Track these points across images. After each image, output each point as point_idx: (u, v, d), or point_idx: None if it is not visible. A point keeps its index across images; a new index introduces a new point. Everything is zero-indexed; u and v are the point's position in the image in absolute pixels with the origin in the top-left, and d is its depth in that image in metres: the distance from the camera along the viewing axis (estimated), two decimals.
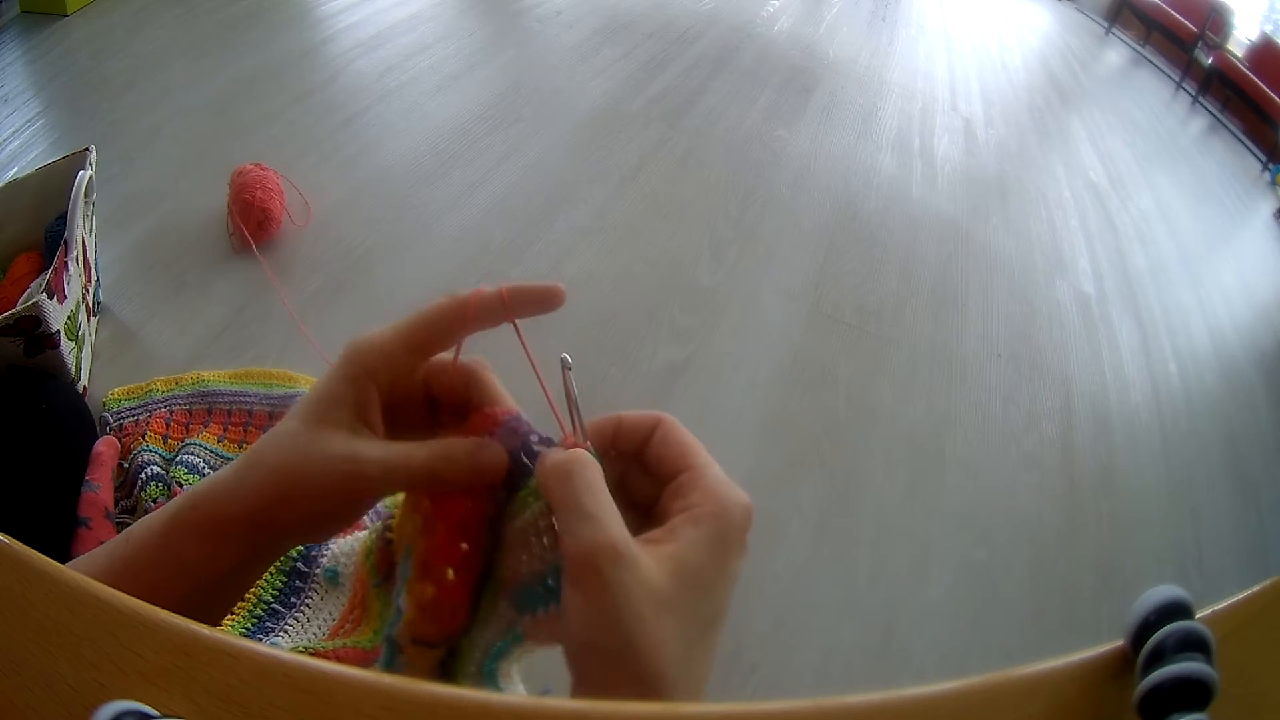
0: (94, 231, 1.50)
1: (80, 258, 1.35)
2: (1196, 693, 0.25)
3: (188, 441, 1.27)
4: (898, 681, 0.26)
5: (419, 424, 0.43)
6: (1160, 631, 0.27)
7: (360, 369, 0.39)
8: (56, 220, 1.39)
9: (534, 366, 0.40)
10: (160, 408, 1.32)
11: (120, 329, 1.51)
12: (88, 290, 1.41)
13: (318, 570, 1.06)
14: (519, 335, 0.40)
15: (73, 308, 1.28)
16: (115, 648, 0.24)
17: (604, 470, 0.36)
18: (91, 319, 1.43)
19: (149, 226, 1.73)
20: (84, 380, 1.35)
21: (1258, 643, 0.30)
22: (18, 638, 0.24)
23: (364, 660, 0.43)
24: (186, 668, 0.24)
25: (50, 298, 1.19)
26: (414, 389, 0.42)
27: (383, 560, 0.48)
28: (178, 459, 1.23)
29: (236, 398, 1.37)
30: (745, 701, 0.27)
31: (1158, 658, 0.26)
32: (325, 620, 1.03)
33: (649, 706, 0.24)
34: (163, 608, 0.34)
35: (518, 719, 0.24)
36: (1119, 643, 0.29)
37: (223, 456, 1.26)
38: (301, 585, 1.05)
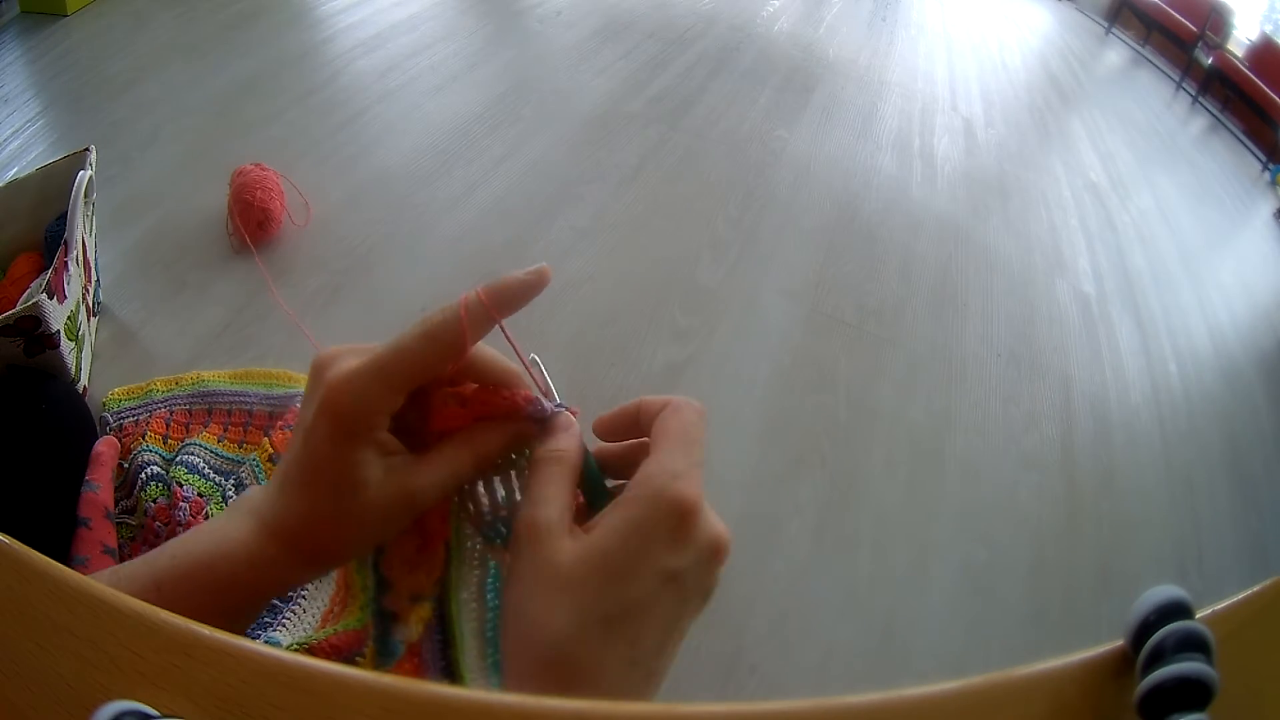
0: (94, 231, 1.50)
1: (80, 258, 1.35)
2: (1197, 693, 0.25)
3: (188, 441, 1.27)
4: (898, 681, 0.26)
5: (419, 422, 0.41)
6: (1160, 631, 0.27)
7: (351, 431, 0.36)
8: (56, 220, 1.39)
9: (520, 357, 0.41)
10: (160, 408, 1.32)
11: (120, 329, 1.51)
12: (88, 290, 1.41)
13: None
14: (507, 337, 0.40)
15: (73, 308, 1.28)
16: (115, 648, 0.24)
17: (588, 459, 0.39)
18: (91, 319, 1.43)
19: (149, 226, 1.73)
20: (84, 380, 1.35)
21: (1258, 643, 0.30)
22: (18, 638, 0.24)
23: (358, 641, 0.43)
24: (186, 668, 0.24)
25: (50, 298, 1.19)
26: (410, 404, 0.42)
27: None
28: (178, 459, 1.23)
29: (237, 398, 1.37)
30: (745, 701, 0.27)
31: (1158, 658, 0.26)
32: (320, 609, 1.03)
33: (649, 707, 0.24)
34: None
35: (518, 718, 0.24)
36: (1119, 643, 0.29)
37: (223, 456, 1.26)
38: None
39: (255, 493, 0.39)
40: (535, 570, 0.34)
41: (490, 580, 0.43)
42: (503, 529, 0.41)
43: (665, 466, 0.35)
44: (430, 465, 0.38)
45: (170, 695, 0.23)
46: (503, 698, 0.25)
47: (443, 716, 0.24)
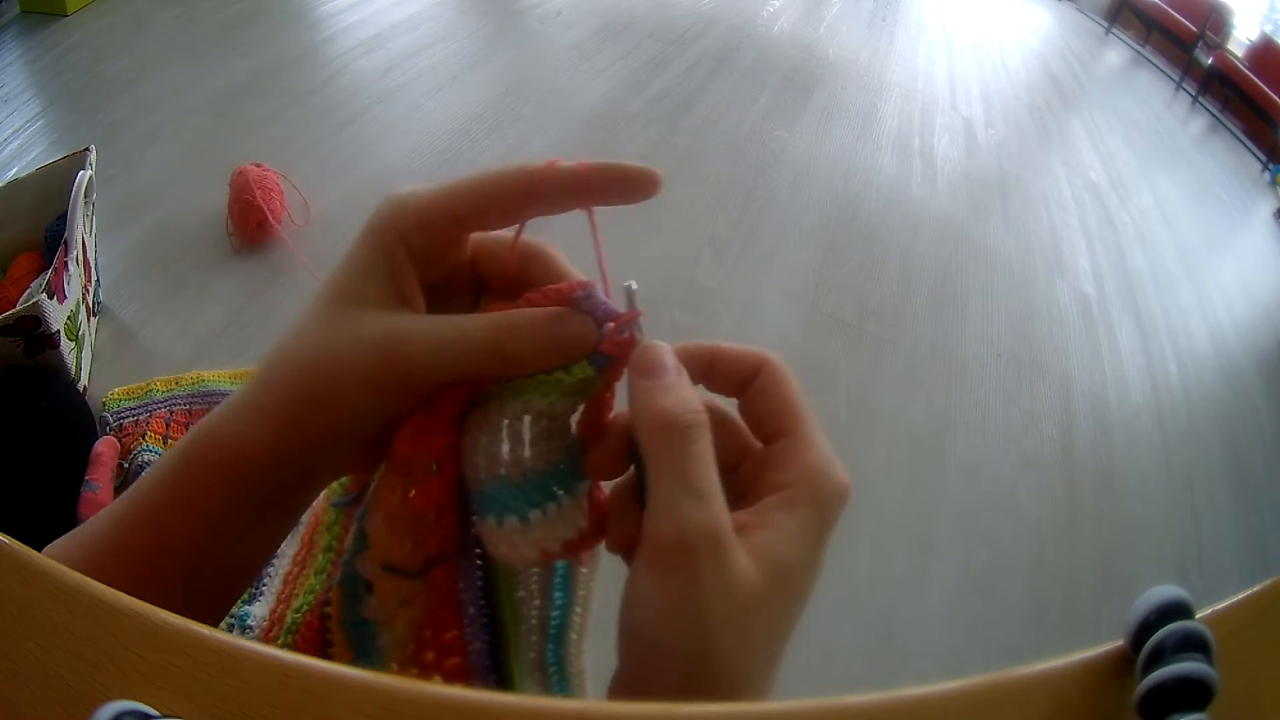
0: (94, 231, 1.50)
1: (80, 258, 1.35)
2: (1197, 693, 0.25)
3: None
4: (898, 682, 0.26)
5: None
6: (1160, 631, 0.27)
7: (393, 233, 0.31)
8: (56, 220, 1.39)
9: (602, 269, 0.34)
10: (160, 408, 1.32)
11: (120, 329, 1.51)
12: (88, 290, 1.41)
13: None
14: (593, 226, 0.34)
15: (73, 308, 1.28)
16: (116, 648, 0.24)
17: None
18: (91, 319, 1.43)
19: (149, 226, 1.73)
20: (84, 380, 1.35)
21: (1258, 643, 0.30)
22: (18, 638, 0.24)
23: (314, 629, 0.37)
24: (187, 668, 0.24)
25: (50, 298, 1.19)
26: (456, 270, 0.35)
27: (356, 480, 0.39)
28: None
29: None
30: (745, 701, 0.27)
31: (1158, 658, 0.26)
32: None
33: (650, 707, 0.24)
34: (178, 556, 0.31)
35: (520, 718, 0.24)
36: (1119, 643, 0.29)
37: None
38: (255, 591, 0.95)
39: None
40: (717, 593, 0.27)
41: (558, 579, 0.38)
42: (504, 493, 0.32)
43: (824, 454, 0.31)
44: (436, 317, 0.32)
45: (170, 695, 0.23)
46: (503, 698, 0.25)
47: (443, 716, 0.24)
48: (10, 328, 1.15)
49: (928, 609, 1.40)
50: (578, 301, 0.32)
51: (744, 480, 0.32)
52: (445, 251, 0.33)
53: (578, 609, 0.39)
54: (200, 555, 0.32)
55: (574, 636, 0.41)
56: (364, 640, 0.35)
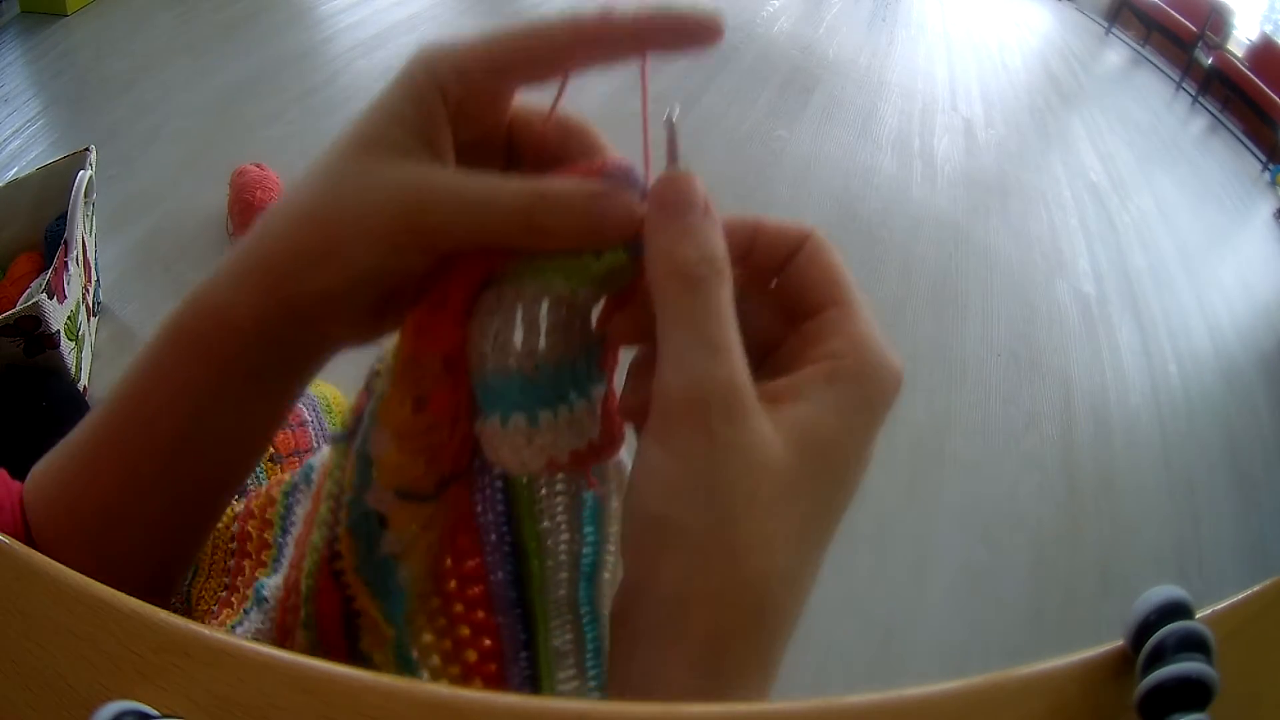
0: (94, 231, 1.50)
1: (80, 258, 1.35)
2: (1197, 693, 0.25)
3: None
4: (898, 681, 0.26)
5: None
6: (1160, 631, 0.27)
7: (428, 81, 0.28)
8: (56, 220, 1.39)
9: (645, 120, 0.30)
10: None
11: (120, 329, 1.51)
12: (88, 290, 1.41)
13: None
14: (644, 78, 0.31)
15: (73, 308, 1.28)
16: (115, 647, 0.24)
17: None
18: (91, 319, 1.43)
19: (149, 226, 1.73)
20: (84, 380, 1.35)
21: (1258, 643, 0.30)
22: (17, 638, 0.24)
23: (329, 587, 0.33)
24: (186, 667, 0.24)
25: (50, 298, 1.19)
26: (492, 132, 0.31)
27: (357, 408, 0.35)
28: None
29: None
30: (744, 701, 0.27)
31: (1158, 658, 0.26)
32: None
33: (650, 707, 0.24)
34: (171, 447, 0.30)
35: (520, 718, 0.24)
36: (1119, 643, 0.29)
37: None
38: (292, 503, 0.90)
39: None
40: (734, 457, 0.23)
41: (588, 512, 0.35)
42: (511, 388, 0.28)
43: (874, 330, 0.28)
44: (462, 174, 0.28)
45: (170, 695, 0.23)
46: (505, 698, 0.24)
47: (444, 716, 0.24)
48: (10, 328, 1.15)
49: (928, 609, 1.40)
50: (615, 180, 0.28)
51: (784, 359, 0.29)
52: (483, 108, 0.30)
53: (610, 546, 0.36)
54: (190, 436, 0.30)
55: (607, 576, 0.38)
56: (385, 580, 0.32)
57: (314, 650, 0.33)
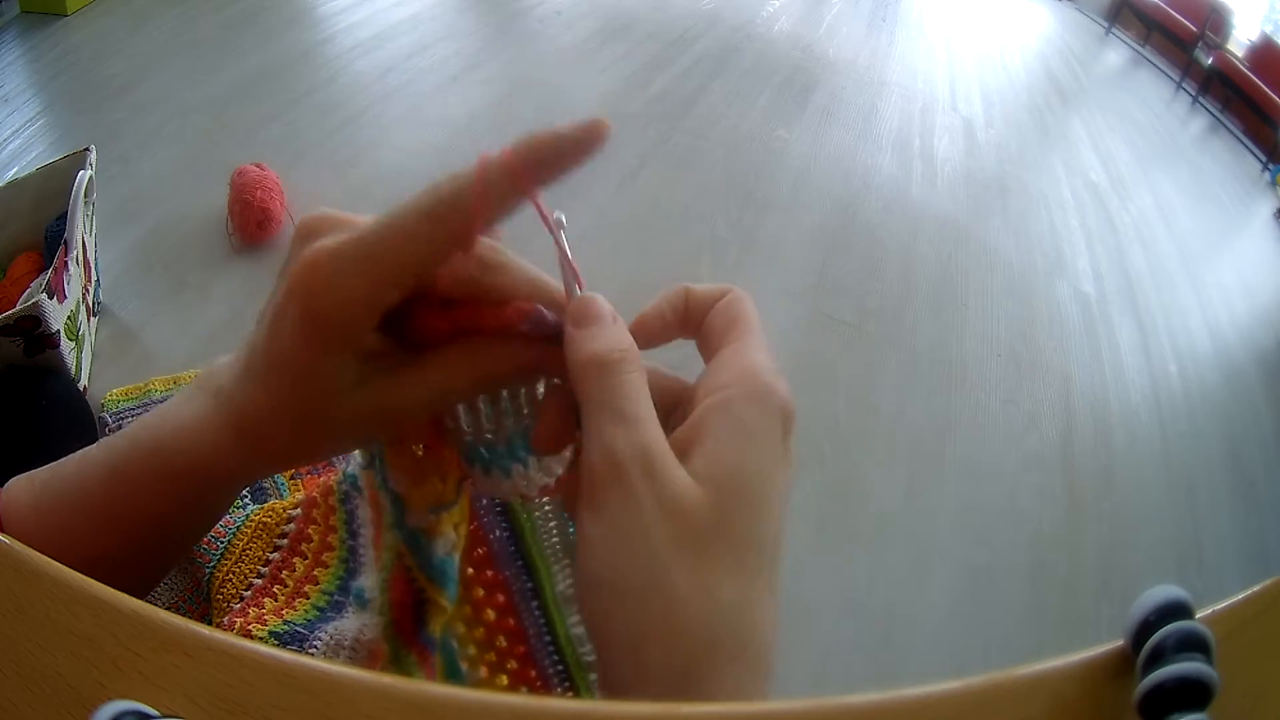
0: (94, 231, 1.50)
1: (80, 258, 1.35)
2: (1197, 693, 0.25)
3: None
4: (898, 681, 0.26)
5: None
6: (1160, 631, 0.27)
7: (322, 331, 0.28)
8: (56, 220, 1.39)
9: (553, 235, 0.32)
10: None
11: (120, 329, 1.51)
12: (88, 290, 1.41)
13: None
14: (538, 209, 0.31)
15: (73, 308, 1.28)
16: (115, 648, 0.24)
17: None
18: (91, 319, 1.43)
19: (149, 226, 1.73)
20: (84, 380, 1.35)
21: (1258, 643, 0.30)
22: (17, 638, 0.24)
23: (402, 581, 0.38)
24: (186, 668, 0.24)
25: (50, 298, 1.19)
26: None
27: None
28: None
29: None
30: (745, 701, 0.27)
31: (1158, 658, 0.26)
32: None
33: (650, 707, 0.24)
34: (130, 529, 0.32)
35: (518, 718, 0.24)
36: (1119, 643, 0.29)
37: None
38: (353, 508, 0.94)
39: (221, 369, 0.32)
40: (653, 516, 0.25)
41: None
42: (485, 452, 0.34)
43: (764, 361, 0.30)
44: (416, 379, 0.30)
45: (170, 695, 0.23)
46: (504, 698, 0.25)
47: (442, 716, 0.24)
48: (10, 328, 1.15)
49: (927, 609, 1.40)
50: (527, 326, 0.31)
51: (694, 402, 0.30)
52: (383, 302, 0.29)
53: None
54: (148, 531, 0.33)
55: None
56: (444, 573, 0.37)
57: (387, 632, 0.38)
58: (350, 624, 0.45)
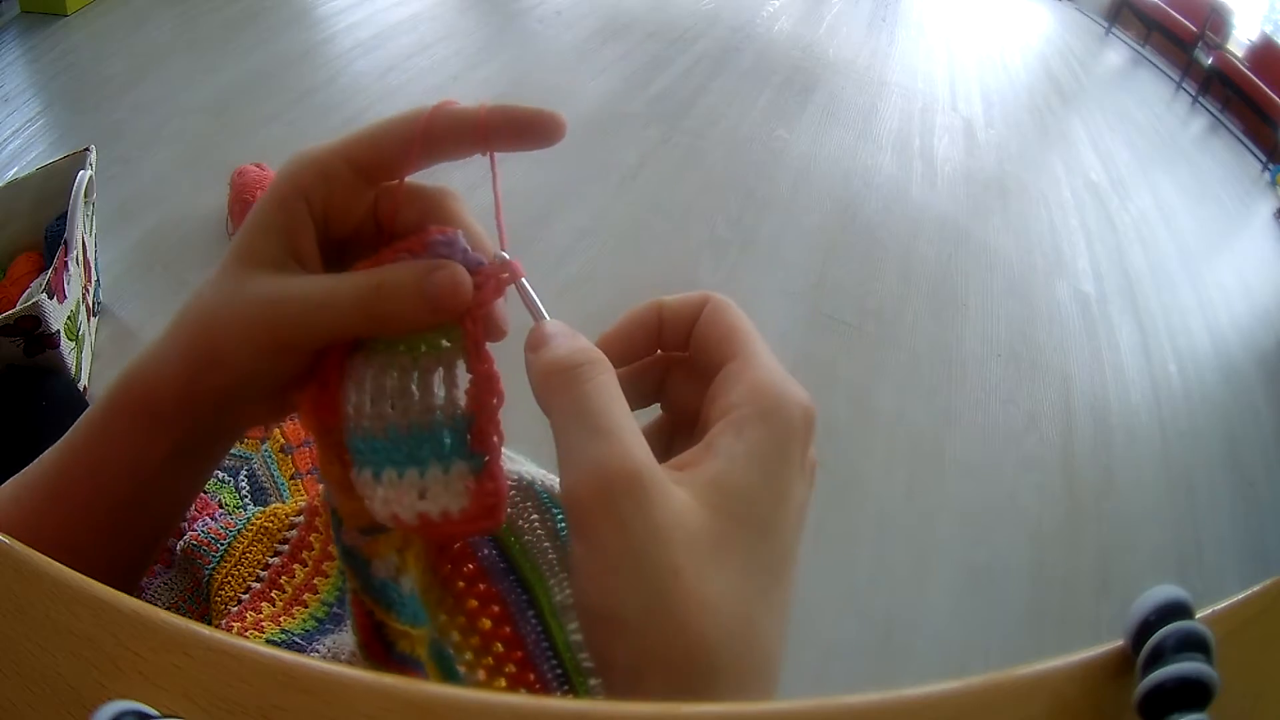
0: (94, 231, 1.50)
1: (80, 258, 1.35)
2: (1197, 693, 0.25)
3: None
4: (898, 681, 0.26)
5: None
6: (1160, 631, 0.27)
7: (292, 188, 0.31)
8: (56, 220, 1.39)
9: (497, 204, 0.32)
10: None
11: (120, 329, 1.51)
12: (88, 290, 1.41)
13: None
14: (493, 167, 0.32)
15: (73, 308, 1.28)
16: (115, 647, 0.24)
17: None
18: (91, 319, 1.43)
19: (149, 226, 1.73)
20: (84, 380, 1.35)
21: (1258, 643, 0.30)
22: (17, 637, 0.24)
23: (359, 609, 0.36)
24: (186, 667, 0.24)
25: (50, 298, 1.19)
26: (363, 224, 0.33)
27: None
28: None
29: None
30: (745, 701, 0.27)
31: (1158, 658, 0.26)
32: None
33: (650, 706, 0.24)
34: (110, 497, 0.33)
35: (519, 718, 0.24)
36: (1119, 642, 0.29)
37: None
38: None
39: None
40: (650, 539, 0.23)
41: (545, 495, 0.38)
42: (360, 442, 0.30)
43: (774, 371, 0.28)
44: (310, 279, 0.31)
45: (170, 695, 0.23)
46: (505, 697, 0.24)
47: (443, 716, 0.24)
48: (10, 328, 1.15)
49: (927, 608, 1.40)
50: (434, 248, 0.30)
51: (701, 426, 0.29)
52: (347, 204, 0.32)
53: None
54: (129, 496, 0.33)
55: None
56: (388, 595, 0.34)
57: (362, 653, 0.36)
58: (348, 637, 0.45)
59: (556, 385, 0.26)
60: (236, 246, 0.31)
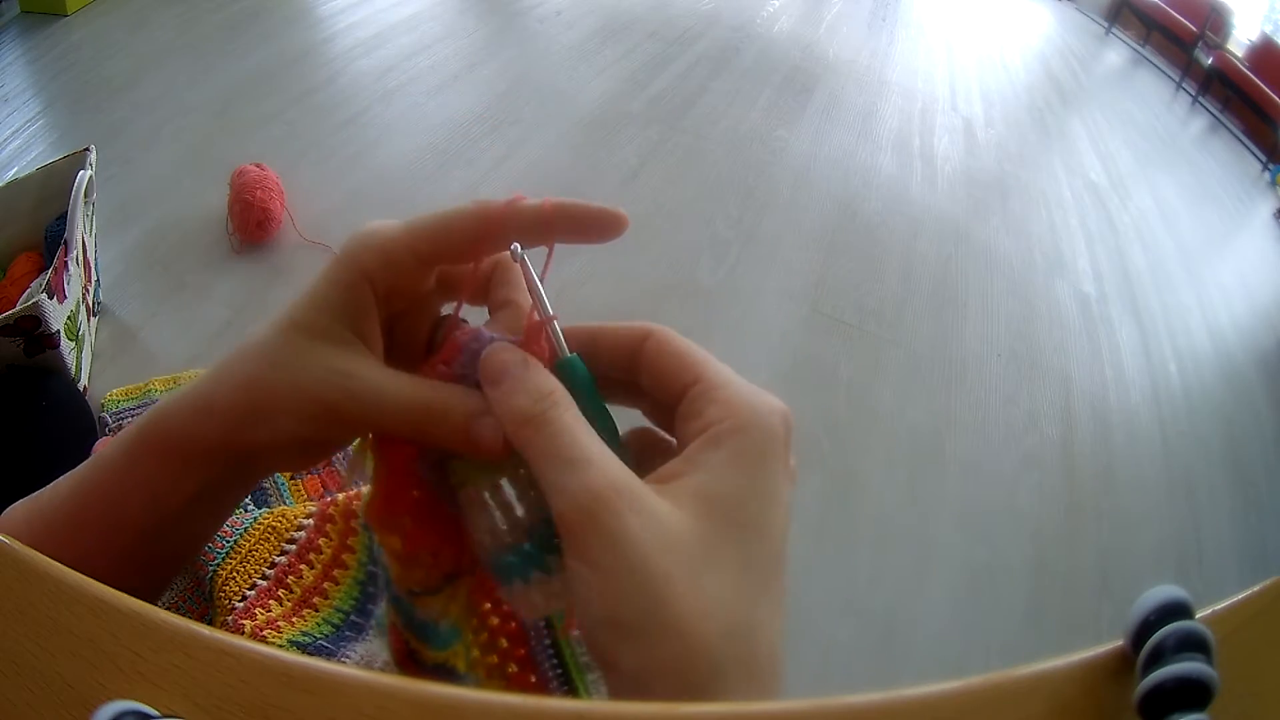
0: (94, 231, 1.50)
1: (80, 258, 1.35)
2: (1197, 693, 0.25)
3: None
4: (898, 681, 0.26)
5: (420, 351, 0.36)
6: (1160, 631, 0.27)
7: (356, 270, 0.32)
8: (56, 220, 1.39)
9: (537, 297, 0.31)
10: None
11: (120, 329, 1.51)
12: (88, 290, 1.41)
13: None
14: (548, 259, 0.33)
15: (73, 308, 1.28)
16: (115, 647, 0.24)
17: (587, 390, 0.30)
18: (91, 319, 1.43)
19: (149, 226, 1.73)
20: (84, 380, 1.35)
21: (1258, 643, 0.30)
22: (17, 638, 0.24)
23: (395, 632, 0.37)
24: (186, 667, 0.24)
25: (50, 298, 1.19)
26: (420, 304, 0.36)
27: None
28: None
29: None
30: (745, 701, 0.27)
31: (1158, 658, 0.26)
32: None
33: (650, 706, 0.24)
34: (129, 531, 0.33)
35: (517, 718, 0.24)
36: (1119, 643, 0.29)
37: None
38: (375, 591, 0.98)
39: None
40: (637, 546, 0.25)
41: None
42: (499, 557, 0.31)
43: (744, 386, 0.30)
44: (372, 367, 0.32)
45: (169, 695, 0.23)
46: (503, 697, 0.25)
47: (440, 715, 0.24)
48: (10, 328, 1.15)
49: (927, 608, 1.40)
50: (467, 354, 0.31)
51: (680, 444, 0.30)
52: (409, 286, 0.34)
53: None
54: (149, 531, 0.33)
55: None
56: (427, 631, 0.36)
57: (398, 669, 0.38)
58: (375, 647, 0.48)
59: (529, 433, 0.28)
60: (297, 317, 0.32)
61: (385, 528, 0.32)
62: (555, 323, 0.31)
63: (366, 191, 1.95)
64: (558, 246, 0.33)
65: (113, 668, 0.24)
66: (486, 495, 0.31)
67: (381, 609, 0.58)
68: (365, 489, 0.61)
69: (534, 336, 0.31)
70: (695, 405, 0.30)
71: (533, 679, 0.44)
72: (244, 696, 0.23)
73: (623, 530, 0.25)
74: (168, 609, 0.25)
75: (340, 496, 0.71)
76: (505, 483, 0.31)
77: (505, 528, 0.30)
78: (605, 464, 0.26)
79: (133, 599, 0.25)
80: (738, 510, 0.27)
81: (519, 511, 0.31)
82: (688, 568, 0.25)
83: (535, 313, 0.31)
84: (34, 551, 0.27)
